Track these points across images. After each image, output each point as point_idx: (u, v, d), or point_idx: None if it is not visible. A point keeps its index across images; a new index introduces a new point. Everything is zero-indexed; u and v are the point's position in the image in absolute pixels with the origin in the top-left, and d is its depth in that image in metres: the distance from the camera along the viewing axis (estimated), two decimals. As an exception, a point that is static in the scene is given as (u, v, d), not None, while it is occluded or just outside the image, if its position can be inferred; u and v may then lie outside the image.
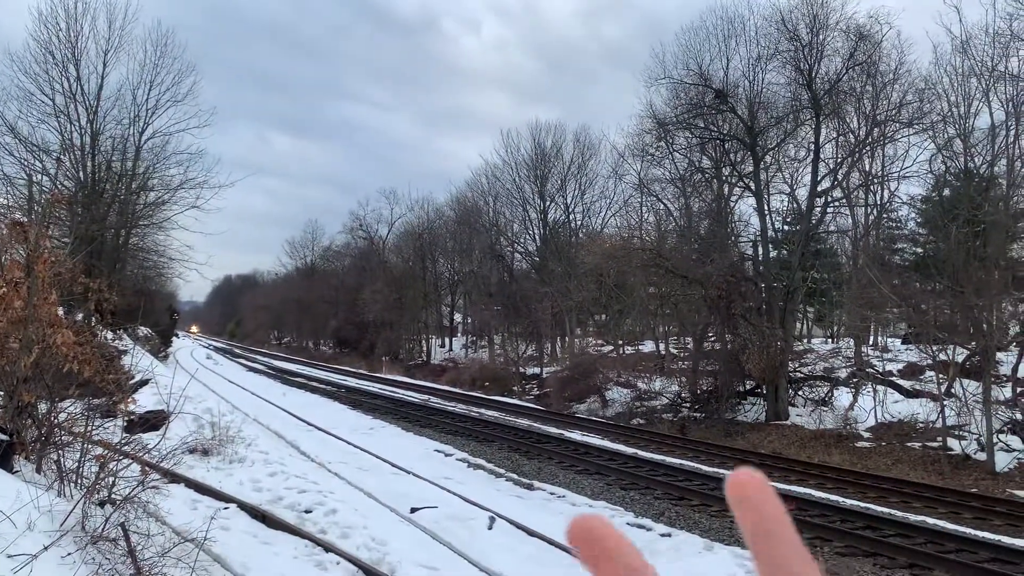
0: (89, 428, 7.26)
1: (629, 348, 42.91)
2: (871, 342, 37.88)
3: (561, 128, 52.00)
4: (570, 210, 51.71)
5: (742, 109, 27.60)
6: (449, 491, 12.87)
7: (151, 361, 20.30)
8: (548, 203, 51.92)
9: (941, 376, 22.27)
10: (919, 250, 38.18)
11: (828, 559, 10.09)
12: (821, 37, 26.02)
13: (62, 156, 28.36)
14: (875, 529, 11.35)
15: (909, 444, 19.83)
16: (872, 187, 31.03)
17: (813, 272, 34.60)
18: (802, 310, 41.61)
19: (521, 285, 52.24)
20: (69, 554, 4.45)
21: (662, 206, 35.33)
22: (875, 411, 22.44)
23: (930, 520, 12.08)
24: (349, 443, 18.35)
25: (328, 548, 8.58)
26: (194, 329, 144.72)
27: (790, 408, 24.92)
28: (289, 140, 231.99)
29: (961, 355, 22.80)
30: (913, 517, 12.26)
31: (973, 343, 22.56)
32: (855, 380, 25.74)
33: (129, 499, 6.05)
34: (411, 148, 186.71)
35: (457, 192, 62.94)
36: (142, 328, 35.35)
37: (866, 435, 21.42)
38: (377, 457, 16.36)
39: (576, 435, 21.51)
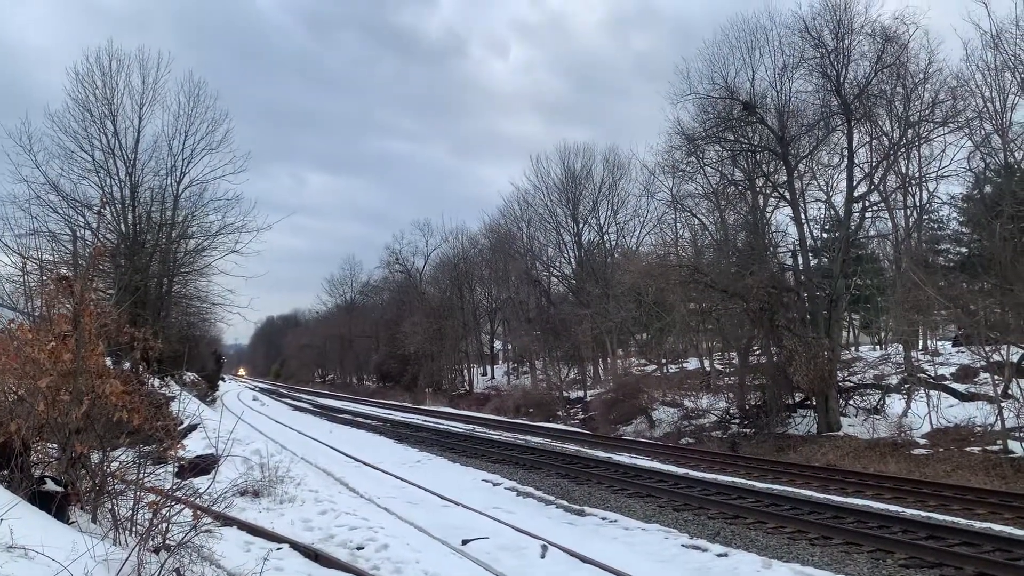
0: (141, 475, 7.34)
1: (673, 366, 42.53)
2: (920, 346, 37.11)
3: (590, 150, 52.10)
4: (604, 231, 51.69)
5: (771, 119, 27.38)
6: (500, 521, 12.77)
7: (198, 406, 20.54)
8: (581, 225, 51.95)
9: (996, 377, 21.69)
10: (963, 250, 37.45)
11: (892, 573, 9.81)
12: (847, 42, 25.76)
13: (103, 209, 29.03)
14: (938, 539, 11.01)
15: (968, 449, 19.29)
16: (910, 189, 30.57)
17: (856, 279, 34.10)
18: (847, 318, 40.91)
19: (559, 309, 52.18)
20: (126, 602, 4.48)
21: (697, 221, 35.07)
22: (930, 417, 21.92)
23: (996, 527, 11.70)
24: (397, 477, 18.35)
25: (381, 584, 8.55)
26: (241, 372, 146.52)
27: (842, 418, 24.42)
28: (323, 178, 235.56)
29: (1016, 354, 22.21)
30: (978, 524, 11.89)
31: (1027, 341, 21.98)
32: (907, 386, 25.19)
33: (183, 544, 6.10)
34: (444, 177, 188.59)
35: (490, 220, 63.36)
36: (188, 373, 35.87)
37: (922, 442, 20.90)
38: (426, 490, 16.33)
39: (625, 458, 21.28)
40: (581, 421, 36.68)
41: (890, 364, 28.88)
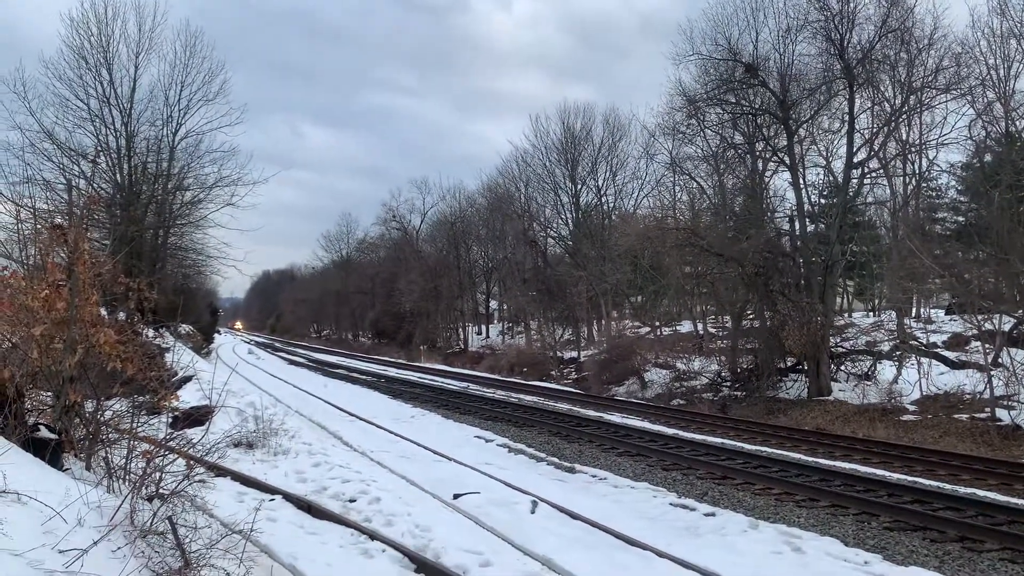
0: (135, 425, 7.38)
1: (666, 329, 42.70)
2: (914, 314, 37.26)
3: (590, 110, 51.64)
4: (602, 192, 51.45)
5: (773, 82, 27.13)
6: (491, 476, 12.91)
7: (193, 357, 20.59)
8: (580, 186, 51.69)
9: (987, 346, 21.81)
10: (961, 218, 37.47)
11: (876, 535, 9.96)
12: (852, 5, 25.42)
13: (97, 158, 28.84)
14: (923, 503, 11.17)
15: (956, 416, 19.46)
16: (910, 156, 30.40)
17: (852, 245, 34.10)
18: (842, 284, 40.99)
19: (555, 270, 52.16)
20: (119, 548, 4.53)
21: (695, 184, 34.98)
22: (920, 384, 22.07)
23: (980, 492, 11.86)
24: (391, 432, 18.48)
25: (373, 536, 8.66)
26: (239, 325, 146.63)
27: (833, 384, 24.59)
28: (321, 132, 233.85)
29: (1008, 323, 22.31)
30: (963, 490, 12.04)
31: (1020, 311, 22.07)
32: (898, 353, 25.33)
33: (176, 493, 6.15)
34: (443, 134, 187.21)
35: (488, 179, 63.12)
36: (184, 326, 35.92)
37: (911, 408, 21.08)
38: (419, 445, 16.47)
39: (616, 417, 21.46)
40: (574, 381, 36.91)
41: (883, 331, 29.01)
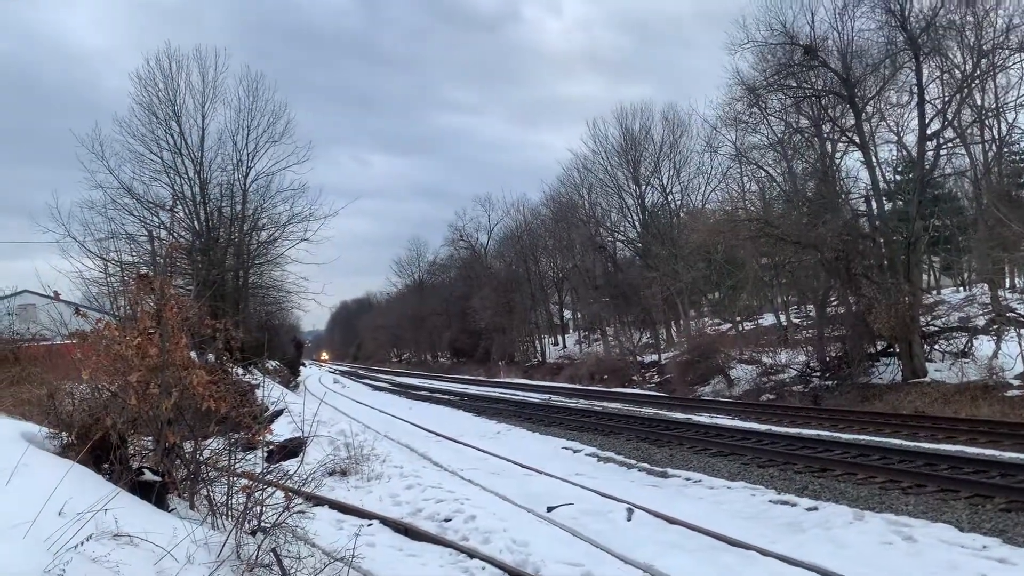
0: (233, 461, 7.57)
1: (748, 324, 41.87)
2: (1008, 285, 35.67)
3: (648, 109, 51.07)
4: (667, 191, 50.77)
5: (834, 62, 26.43)
6: (583, 487, 12.82)
7: (282, 391, 21.04)
8: (644, 187, 51.14)
9: (1092, 311, 20.72)
10: (1049, 180, 35.73)
11: (992, 517, 9.51)
12: (910, -27, 24.64)
13: (175, 207, 29.92)
14: (1040, 481, 10.62)
15: (1066, 387, 18.52)
16: (987, 122, 29.21)
17: (934, 220, 32.85)
18: (927, 261, 39.50)
19: (627, 273, 51.75)
20: (228, 583, 4.63)
21: (763, 173, 34.19)
22: (1022, 357, 21.08)
23: (1101, 465, 11.23)
24: (478, 449, 18.56)
25: (472, 554, 8.68)
26: (324, 356, 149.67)
27: (927, 364, 23.69)
28: (385, 158, 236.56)
29: (1112, 286, 21.16)
30: (1082, 464, 11.42)
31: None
32: (995, 327, 24.26)
33: (278, 525, 6.29)
34: (504, 148, 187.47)
35: (551, 189, 63.04)
36: (270, 361, 36.83)
37: (1016, 383, 20.15)
38: (507, 460, 16.48)
39: (704, 418, 21.11)
40: (657, 384, 36.49)
41: (976, 305, 27.86)
